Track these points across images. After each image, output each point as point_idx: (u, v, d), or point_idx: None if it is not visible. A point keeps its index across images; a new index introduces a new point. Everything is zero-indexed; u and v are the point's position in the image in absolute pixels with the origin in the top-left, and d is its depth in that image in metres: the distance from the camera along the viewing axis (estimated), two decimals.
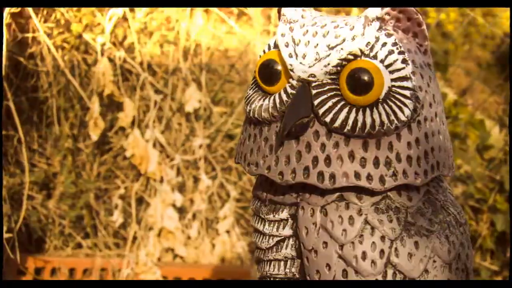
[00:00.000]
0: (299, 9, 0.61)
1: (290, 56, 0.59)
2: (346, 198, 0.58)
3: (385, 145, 0.57)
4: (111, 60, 1.57)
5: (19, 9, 1.37)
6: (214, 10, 1.69)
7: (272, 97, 0.60)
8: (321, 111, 0.57)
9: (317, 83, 0.58)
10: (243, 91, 1.71)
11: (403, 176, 0.57)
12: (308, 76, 0.58)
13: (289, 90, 0.59)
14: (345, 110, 0.57)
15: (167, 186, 1.58)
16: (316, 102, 0.58)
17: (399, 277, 0.57)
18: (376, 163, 0.57)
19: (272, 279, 0.63)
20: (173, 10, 1.64)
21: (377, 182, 0.57)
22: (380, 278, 0.57)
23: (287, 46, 0.59)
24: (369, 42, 0.57)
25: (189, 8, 1.65)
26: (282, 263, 0.62)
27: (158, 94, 1.62)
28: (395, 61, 0.57)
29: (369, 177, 0.57)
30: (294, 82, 0.59)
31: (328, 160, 0.57)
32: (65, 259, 1.51)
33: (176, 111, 1.64)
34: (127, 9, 1.57)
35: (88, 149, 1.60)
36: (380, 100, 0.57)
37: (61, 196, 1.55)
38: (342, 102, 0.57)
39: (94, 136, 1.55)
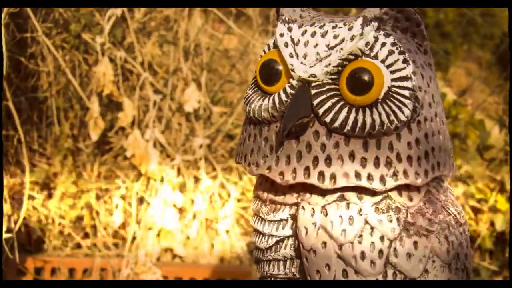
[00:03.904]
0: (298, 9, 0.61)
1: (291, 56, 0.59)
2: (346, 198, 0.58)
3: (385, 145, 0.57)
4: (111, 60, 1.57)
5: (17, 9, 1.36)
6: (213, 10, 1.69)
7: (272, 97, 0.60)
8: (321, 111, 0.57)
9: (317, 83, 0.58)
10: (243, 91, 1.71)
11: (403, 176, 0.57)
12: (309, 76, 0.58)
13: (289, 90, 0.59)
14: (345, 110, 0.57)
15: (167, 186, 1.58)
16: (315, 102, 0.58)
17: (399, 277, 0.57)
18: (377, 163, 0.57)
19: (272, 279, 0.63)
20: (171, 10, 1.64)
21: (377, 182, 0.57)
22: (380, 278, 0.57)
23: (286, 46, 0.59)
24: (368, 42, 0.57)
25: (187, 8, 1.65)
26: (281, 263, 0.62)
27: (157, 94, 1.62)
28: (396, 61, 0.57)
29: (369, 177, 0.57)
30: (294, 82, 0.59)
31: (328, 160, 0.57)
32: (65, 259, 1.51)
33: (176, 111, 1.64)
34: (125, 9, 1.57)
35: (88, 149, 1.60)
36: (380, 100, 0.57)
37: (62, 196, 1.55)
38: (342, 102, 0.57)
39: (94, 136, 1.55)
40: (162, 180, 1.59)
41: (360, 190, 0.58)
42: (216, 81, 1.72)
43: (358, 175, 0.57)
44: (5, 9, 1.28)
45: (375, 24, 0.58)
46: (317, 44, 0.58)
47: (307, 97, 0.58)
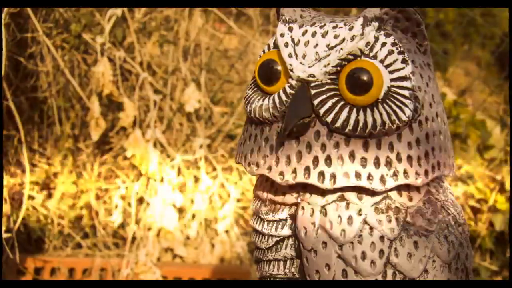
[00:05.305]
0: (298, 9, 0.61)
1: (290, 56, 0.59)
2: (346, 198, 0.58)
3: (385, 145, 0.57)
4: (110, 60, 1.57)
5: (18, 9, 1.36)
6: (213, 10, 1.69)
7: (272, 97, 0.60)
8: (321, 111, 0.57)
9: (316, 83, 0.58)
10: (242, 91, 1.71)
11: (404, 176, 0.57)
12: (308, 76, 0.58)
13: (288, 90, 0.59)
14: (346, 110, 0.57)
15: (167, 186, 1.58)
16: (316, 102, 0.58)
17: (399, 277, 0.57)
18: (377, 163, 0.57)
19: (272, 279, 0.63)
20: (172, 10, 1.64)
21: (377, 182, 0.57)
22: (380, 278, 0.57)
23: (286, 46, 0.59)
24: (368, 42, 0.57)
25: (188, 8, 1.65)
26: (281, 263, 0.62)
27: (157, 94, 1.62)
28: (395, 61, 0.57)
29: (369, 177, 0.57)
30: (294, 82, 0.59)
31: (328, 160, 0.57)
32: (65, 259, 1.51)
33: (177, 111, 1.64)
34: (126, 9, 1.57)
35: (88, 149, 1.60)
36: (380, 100, 0.57)
37: (62, 196, 1.55)
38: (342, 102, 0.57)
39: (95, 136, 1.55)
40: (162, 180, 1.59)
41: (360, 190, 0.58)
42: (216, 81, 1.72)
43: (358, 175, 0.57)
44: (6, 9, 1.28)
45: (376, 24, 0.58)
46: (317, 44, 0.58)
47: (307, 97, 0.58)
